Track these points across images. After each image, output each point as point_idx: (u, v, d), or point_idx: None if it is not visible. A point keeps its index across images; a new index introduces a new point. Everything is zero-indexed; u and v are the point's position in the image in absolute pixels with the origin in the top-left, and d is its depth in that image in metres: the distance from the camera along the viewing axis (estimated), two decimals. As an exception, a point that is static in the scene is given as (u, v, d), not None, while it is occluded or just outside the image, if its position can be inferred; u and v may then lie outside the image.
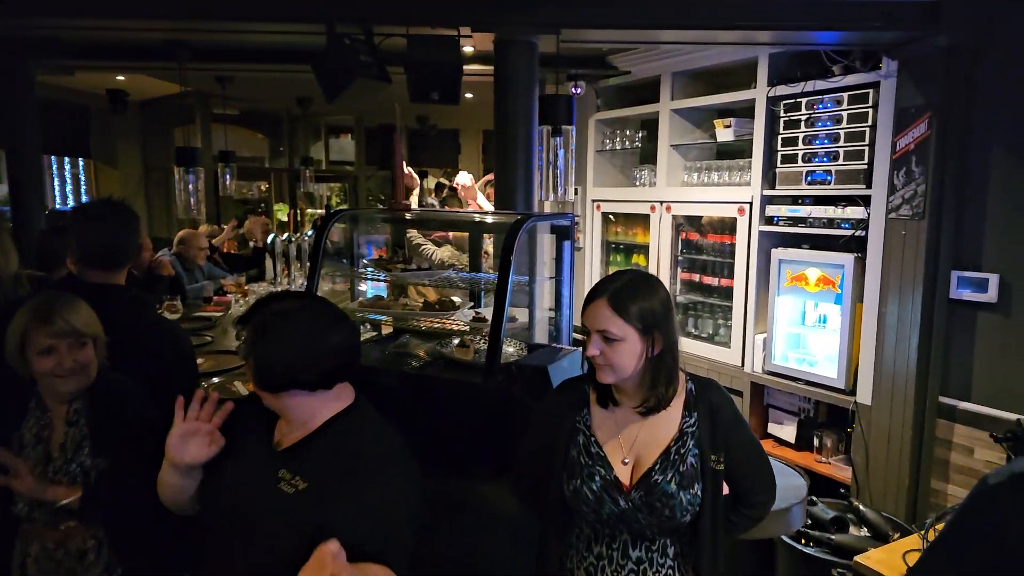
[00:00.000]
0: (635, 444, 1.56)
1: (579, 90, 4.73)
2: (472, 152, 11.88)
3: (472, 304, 2.45)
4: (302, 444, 1.38)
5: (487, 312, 2.29)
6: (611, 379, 1.52)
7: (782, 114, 3.39)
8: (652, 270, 4.33)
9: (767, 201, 3.53)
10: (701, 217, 4.06)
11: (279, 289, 5.01)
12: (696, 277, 4.18)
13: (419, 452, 1.42)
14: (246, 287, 5.69)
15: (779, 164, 3.43)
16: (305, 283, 5.58)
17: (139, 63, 4.29)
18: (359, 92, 2.73)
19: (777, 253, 3.44)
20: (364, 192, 10.35)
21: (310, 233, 5.87)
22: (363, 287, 2.75)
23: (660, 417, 1.56)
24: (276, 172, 10.72)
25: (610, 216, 4.86)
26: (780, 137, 3.42)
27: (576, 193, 5.10)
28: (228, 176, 5.76)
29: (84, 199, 8.51)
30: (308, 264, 5.76)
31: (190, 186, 3.40)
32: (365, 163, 10.36)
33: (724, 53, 3.75)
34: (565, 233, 2.32)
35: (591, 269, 4.91)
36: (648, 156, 4.71)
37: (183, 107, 8.25)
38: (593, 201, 4.92)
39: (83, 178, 8.73)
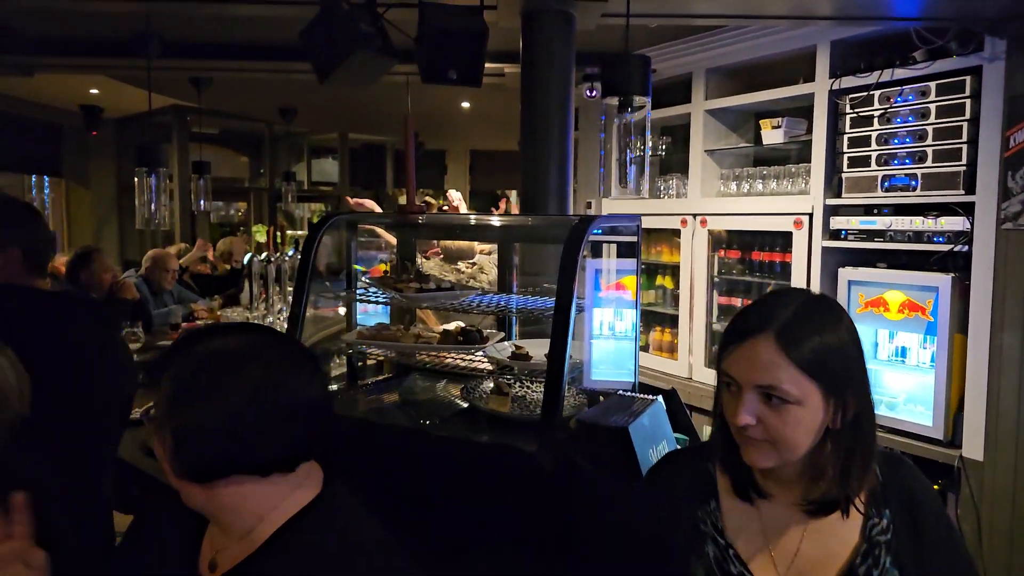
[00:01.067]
0: (796, 561, 1.01)
1: (595, 93, 4.26)
2: (459, 173, 11.47)
3: (504, 335, 1.91)
4: (248, 567, 0.91)
5: (529, 346, 1.75)
6: (771, 462, 0.98)
7: (848, 110, 2.91)
8: (683, 293, 3.83)
9: (831, 212, 3.03)
10: (744, 232, 3.56)
11: (254, 316, 4.42)
12: (738, 302, 3.67)
13: (434, 556, 1.02)
14: (219, 312, 5.09)
15: (846, 168, 2.95)
16: (287, 309, 5.00)
17: (104, 60, 3.75)
18: (357, 72, 2.20)
19: (846, 273, 2.93)
20: (347, 212, 9.86)
21: (291, 253, 5.32)
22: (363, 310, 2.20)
23: (834, 517, 1.02)
24: (256, 192, 10.15)
25: (630, 233, 4.36)
26: (846, 137, 2.94)
27: (589, 207, 4.61)
28: (203, 185, 5.16)
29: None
30: (291, 286, 5.19)
31: (152, 191, 2.80)
32: (349, 183, 9.83)
33: (769, 44, 3.30)
34: (629, 240, 1.81)
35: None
36: (672, 163, 4.25)
37: (159, 125, 7.75)
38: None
39: (47, 199, 8.17)
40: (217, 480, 0.89)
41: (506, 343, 1.84)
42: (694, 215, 3.74)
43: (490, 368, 1.77)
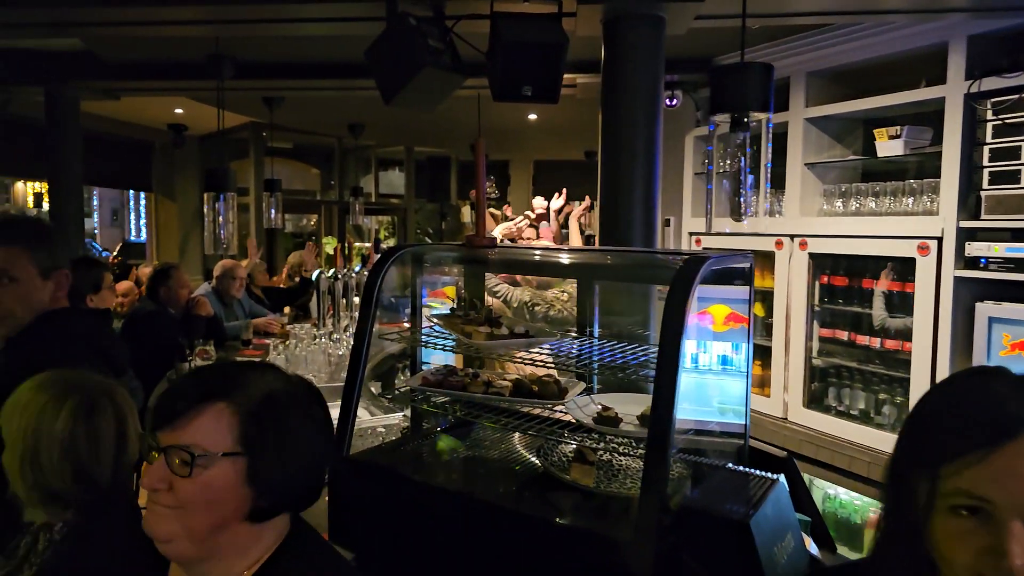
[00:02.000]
0: None
1: (675, 101, 3.96)
2: (522, 184, 11.30)
3: (585, 385, 1.66)
4: None
5: (616, 403, 1.49)
6: None
7: (990, 117, 2.50)
8: (778, 322, 3.45)
9: (967, 236, 2.61)
10: (853, 257, 3.15)
11: (321, 332, 4.34)
12: (843, 335, 3.26)
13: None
14: (287, 326, 5.07)
15: (986, 185, 2.52)
16: (353, 326, 4.92)
17: (181, 82, 3.78)
18: (424, 91, 2.01)
19: (986, 309, 2.50)
20: (413, 225, 9.80)
21: (358, 268, 5.26)
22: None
23: None
24: (326, 205, 10.31)
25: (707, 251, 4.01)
26: (987, 148, 2.52)
27: (667, 224, 4.29)
28: (274, 201, 5.18)
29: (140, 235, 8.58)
30: (355, 305, 5.11)
31: (220, 217, 2.73)
32: (415, 196, 9.83)
33: (884, 43, 2.91)
34: (741, 280, 1.53)
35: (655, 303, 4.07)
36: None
37: (236, 140, 7.98)
38: (691, 234, 4.09)
39: (139, 211, 8.59)
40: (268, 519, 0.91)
41: (587, 397, 1.58)
42: (791, 236, 3.36)
43: (571, 422, 1.52)
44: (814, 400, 3.39)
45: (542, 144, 8.26)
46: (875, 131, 3.05)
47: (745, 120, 1.55)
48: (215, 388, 0.89)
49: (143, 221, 8.74)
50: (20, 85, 3.41)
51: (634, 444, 1.42)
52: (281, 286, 6.08)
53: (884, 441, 2.99)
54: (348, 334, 4.86)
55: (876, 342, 3.12)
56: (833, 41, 3.09)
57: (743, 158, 1.61)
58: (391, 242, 10.27)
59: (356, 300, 5.10)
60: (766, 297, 3.67)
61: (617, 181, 2.06)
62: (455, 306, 2.07)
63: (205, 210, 2.69)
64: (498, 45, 1.96)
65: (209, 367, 1.01)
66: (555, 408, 1.60)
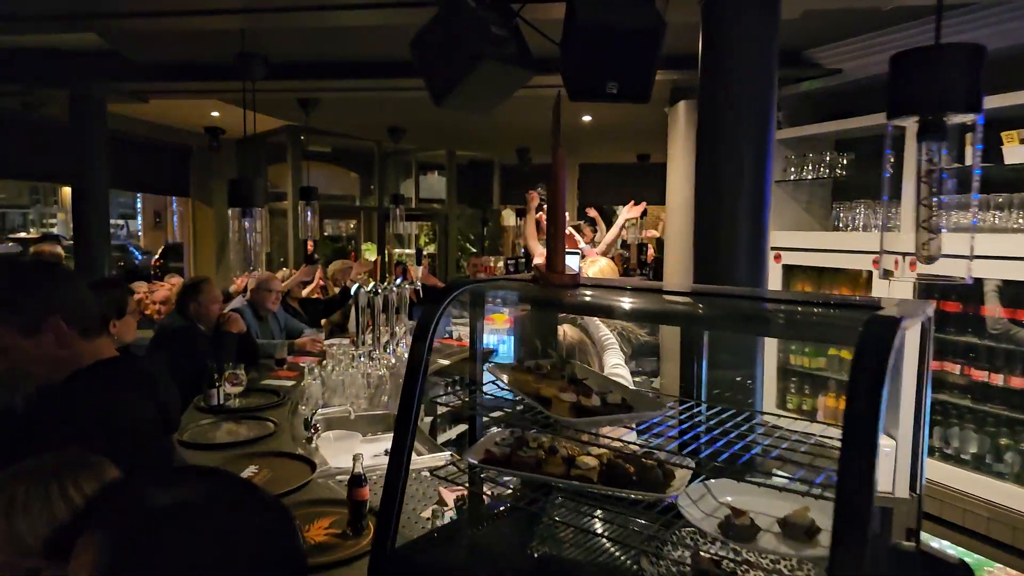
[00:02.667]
0: None
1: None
2: (568, 187, 10.91)
3: (692, 467, 1.29)
4: None
5: (738, 495, 1.12)
6: None
7: None
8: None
9: None
10: (976, 280, 2.71)
11: (360, 352, 4.06)
12: (954, 368, 2.81)
13: None
14: (323, 344, 4.81)
15: None
16: (395, 342, 4.62)
17: (210, 83, 3.55)
18: (483, 88, 1.67)
19: None
20: (455, 231, 9.51)
21: (399, 281, 4.96)
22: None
23: None
24: (366, 211, 10.11)
25: (793, 270, 3.59)
26: None
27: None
28: (310, 215, 4.94)
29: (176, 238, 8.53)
30: (397, 320, 4.82)
31: (248, 235, 2.43)
32: (456, 201, 9.55)
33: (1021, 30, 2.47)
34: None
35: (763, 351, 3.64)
36: (850, 188, 3.44)
37: (274, 144, 7.82)
38: (771, 248, 3.67)
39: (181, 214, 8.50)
40: None
41: (702, 487, 1.21)
42: (904, 254, 2.91)
43: (682, 517, 1.16)
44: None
45: (591, 146, 7.89)
46: (1002, 134, 2.60)
47: (942, 122, 1.16)
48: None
49: (175, 228, 8.66)
50: (44, 87, 3.22)
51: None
52: (317, 296, 5.84)
53: (1008, 495, 2.54)
54: (388, 352, 4.57)
55: (998, 378, 2.67)
56: (962, 26, 2.66)
57: (938, 174, 1.20)
58: (431, 248, 10.00)
59: (398, 316, 4.82)
60: None
61: (718, 200, 1.68)
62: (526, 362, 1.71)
63: (230, 226, 2.39)
64: (576, 32, 1.59)
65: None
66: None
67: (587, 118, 5.31)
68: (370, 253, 10.44)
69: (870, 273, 3.09)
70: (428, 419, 4.56)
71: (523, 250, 8.32)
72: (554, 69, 1.70)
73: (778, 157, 3.65)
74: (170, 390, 1.60)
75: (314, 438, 2.96)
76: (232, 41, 2.91)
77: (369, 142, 8.77)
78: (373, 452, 2.99)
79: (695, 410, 1.22)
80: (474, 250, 10.61)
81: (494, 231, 10.39)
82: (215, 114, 6.26)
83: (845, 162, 3.36)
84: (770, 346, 3.23)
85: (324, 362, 3.89)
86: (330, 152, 9.57)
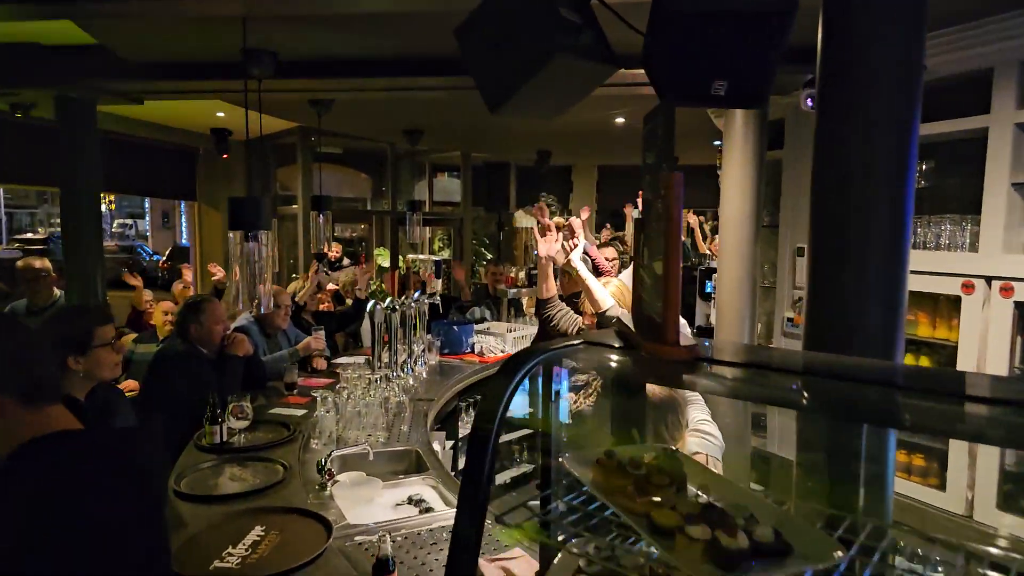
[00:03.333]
0: None
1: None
2: (586, 189, 10.56)
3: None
4: None
5: None
6: None
7: None
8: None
9: None
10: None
11: (377, 375, 3.72)
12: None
13: None
14: (338, 365, 4.47)
15: None
16: (413, 360, 4.27)
17: (211, 82, 3.21)
18: (553, 89, 1.31)
19: None
20: (469, 236, 9.16)
21: (417, 295, 4.62)
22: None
23: None
24: (378, 215, 9.77)
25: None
26: None
27: (802, 254, 3.49)
28: (323, 226, 4.59)
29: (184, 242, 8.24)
30: (416, 337, 4.47)
31: (253, 264, 2.05)
32: (472, 203, 9.21)
33: None
34: None
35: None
36: (924, 201, 3.07)
37: (283, 146, 7.50)
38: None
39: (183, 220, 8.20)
40: None
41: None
42: (988, 278, 2.54)
43: None
44: (1010, 498, 2.56)
45: (615, 146, 7.50)
46: None
47: None
48: None
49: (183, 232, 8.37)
50: (28, 87, 2.89)
51: None
52: (325, 308, 5.48)
53: None
54: (407, 371, 4.24)
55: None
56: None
57: None
58: (445, 254, 9.65)
59: (416, 332, 4.48)
60: (934, 350, 2.86)
61: (842, 233, 1.30)
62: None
63: (231, 253, 2.01)
64: (670, 17, 1.23)
65: None
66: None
67: (620, 120, 4.93)
68: (383, 259, 10.11)
69: (957, 299, 2.71)
70: (449, 446, 4.21)
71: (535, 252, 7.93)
72: (636, 64, 1.33)
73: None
74: (151, 446, 1.26)
75: (328, 485, 2.62)
76: (233, 36, 2.57)
77: (382, 143, 8.44)
78: (395, 499, 2.64)
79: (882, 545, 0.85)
80: (489, 255, 10.25)
81: (510, 235, 10.03)
82: (221, 114, 5.93)
83: (924, 169, 2.99)
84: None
85: (338, 386, 3.55)
86: (341, 154, 9.25)
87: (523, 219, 9.86)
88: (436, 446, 3.33)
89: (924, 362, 2.97)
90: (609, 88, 2.94)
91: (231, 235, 2.01)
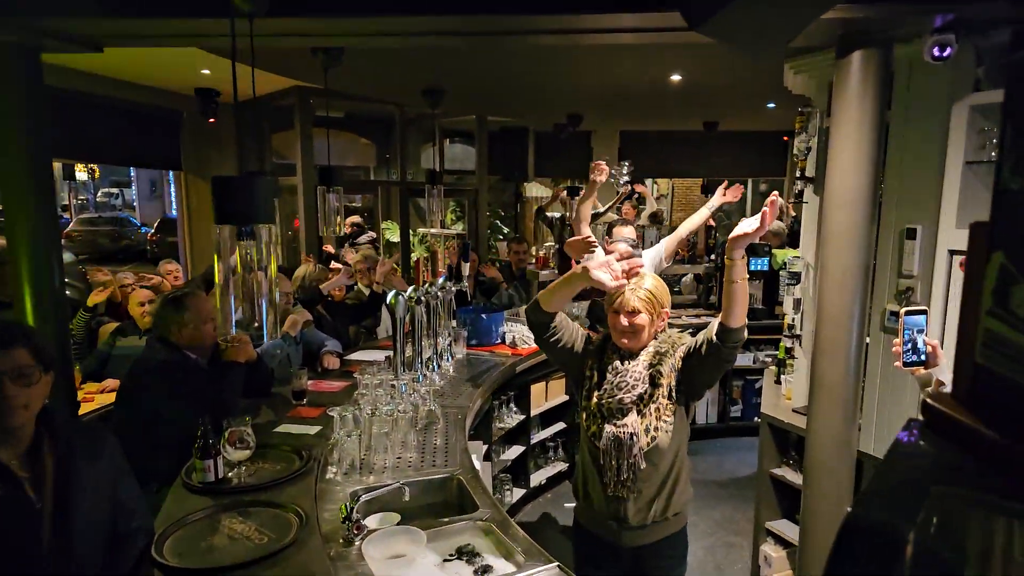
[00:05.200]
0: None
1: (948, 51, 2.48)
2: (607, 157, 9.81)
3: None
4: None
5: None
6: None
7: None
8: None
9: None
10: None
11: (401, 379, 3.12)
12: None
13: None
14: (353, 363, 3.89)
15: None
16: (439, 357, 3.68)
17: (190, 20, 2.52)
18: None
19: None
20: (484, 207, 8.44)
21: (441, 281, 4.01)
22: None
23: None
24: (385, 185, 9.06)
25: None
26: None
27: (911, 236, 2.86)
28: (333, 203, 3.93)
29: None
30: (443, 328, 3.87)
31: (251, 275, 1.40)
32: (488, 172, 8.46)
33: None
34: None
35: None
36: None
37: (280, 108, 6.77)
38: (953, 252, 2.67)
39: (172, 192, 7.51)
40: None
41: None
42: None
43: None
44: None
45: (653, 111, 6.76)
46: None
47: None
48: None
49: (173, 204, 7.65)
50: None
51: None
52: (336, 296, 4.84)
53: None
54: (432, 369, 3.64)
55: None
56: None
57: None
58: (459, 227, 8.97)
59: (441, 323, 3.87)
60: None
61: None
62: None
63: (218, 249, 1.37)
64: None
65: None
66: None
67: (676, 77, 4.21)
68: (391, 233, 9.44)
69: None
70: (482, 443, 3.64)
71: (551, 226, 7.30)
72: None
73: (971, 129, 2.62)
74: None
75: (356, 540, 2.04)
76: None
77: (389, 106, 7.69)
78: (442, 553, 2.06)
79: None
80: (506, 229, 9.56)
81: (527, 206, 9.33)
82: (206, 72, 5.20)
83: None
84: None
85: (357, 394, 2.94)
86: (343, 118, 8.50)
87: (532, 187, 9.14)
88: (476, 463, 2.77)
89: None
90: (666, 34, 2.26)
91: (217, 228, 1.37)
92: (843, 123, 2.58)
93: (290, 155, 7.14)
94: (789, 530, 3.22)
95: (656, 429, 2.02)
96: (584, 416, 2.14)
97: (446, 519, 2.17)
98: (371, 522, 2.23)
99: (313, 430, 2.89)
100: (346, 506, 2.08)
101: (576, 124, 6.90)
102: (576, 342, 2.20)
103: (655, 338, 2.10)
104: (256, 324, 1.37)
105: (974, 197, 2.65)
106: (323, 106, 5.60)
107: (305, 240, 6.18)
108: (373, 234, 8.55)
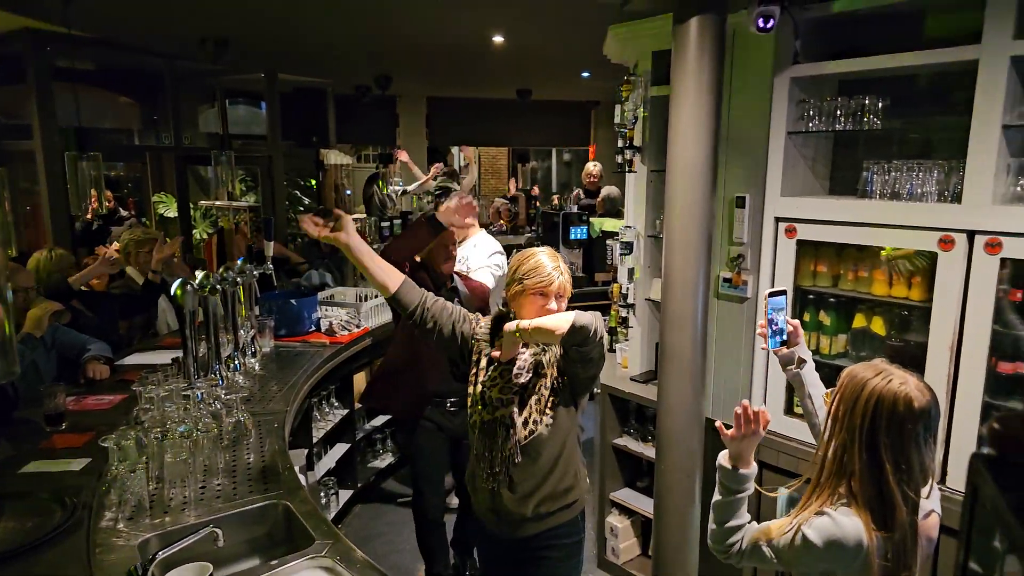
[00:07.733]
0: None
1: (771, 23, 2.57)
2: (414, 125, 9.47)
3: None
4: None
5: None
6: None
7: None
8: (937, 351, 2.32)
9: None
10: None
11: (199, 386, 2.55)
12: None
13: None
14: (129, 370, 3.16)
15: None
16: (242, 356, 3.11)
17: None
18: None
19: None
20: (280, 176, 7.55)
21: (239, 263, 3.39)
22: None
23: None
24: (155, 152, 7.72)
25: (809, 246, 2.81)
26: None
27: (740, 205, 2.99)
28: (89, 168, 3.07)
29: None
30: (244, 320, 3.28)
31: None
32: (282, 137, 7.56)
33: None
34: None
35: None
36: (861, 144, 2.75)
37: (6, 57, 5.33)
38: (779, 220, 2.82)
39: None
40: None
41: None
42: (970, 232, 2.23)
43: None
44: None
45: (468, 77, 6.49)
46: None
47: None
48: None
49: None
50: None
51: None
52: (96, 285, 3.89)
53: None
54: (233, 368, 3.06)
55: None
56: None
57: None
58: (250, 199, 7.94)
59: (242, 313, 3.27)
60: (887, 310, 2.59)
61: None
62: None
63: None
64: None
65: None
66: None
67: (499, 39, 3.98)
68: (166, 208, 8.11)
69: (925, 253, 2.37)
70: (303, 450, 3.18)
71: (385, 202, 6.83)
72: None
73: (791, 100, 2.77)
74: None
75: (156, 619, 1.56)
76: None
77: (154, 60, 6.48)
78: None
79: None
80: (307, 200, 8.74)
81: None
82: None
83: (880, 107, 2.59)
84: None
85: (138, 410, 2.32)
86: (94, 70, 7.00)
87: (331, 155, 8.44)
88: (301, 478, 2.37)
89: (877, 323, 2.66)
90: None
91: None
92: (682, 92, 2.55)
93: (23, 115, 5.68)
94: (633, 499, 3.27)
95: (536, 423, 1.92)
96: (469, 403, 2.02)
97: (275, 562, 1.76)
98: (179, 591, 1.72)
99: (78, 465, 2.24)
100: (136, 568, 1.57)
101: (385, 87, 6.41)
102: (458, 324, 2.01)
103: None
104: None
105: (794, 168, 2.80)
106: (67, 55, 4.44)
107: (52, 221, 4.96)
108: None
